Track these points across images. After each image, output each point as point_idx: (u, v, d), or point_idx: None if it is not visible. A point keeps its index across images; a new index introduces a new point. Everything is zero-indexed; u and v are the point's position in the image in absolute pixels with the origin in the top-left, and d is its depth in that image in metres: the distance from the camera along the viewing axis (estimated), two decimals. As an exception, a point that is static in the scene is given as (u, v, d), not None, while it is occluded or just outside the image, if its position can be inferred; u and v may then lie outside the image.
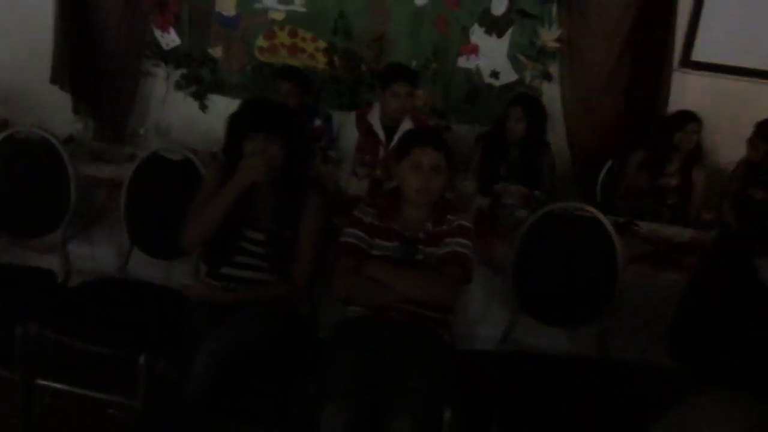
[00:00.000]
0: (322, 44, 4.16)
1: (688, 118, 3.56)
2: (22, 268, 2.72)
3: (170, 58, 4.28)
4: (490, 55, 4.04)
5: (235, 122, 2.35)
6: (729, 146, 3.63)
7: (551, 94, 4.00)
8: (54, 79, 4.22)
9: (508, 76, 4.05)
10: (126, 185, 2.67)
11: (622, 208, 3.40)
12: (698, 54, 3.86)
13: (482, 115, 4.07)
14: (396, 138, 3.50)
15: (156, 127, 3.37)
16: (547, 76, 4.02)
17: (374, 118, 3.54)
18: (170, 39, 4.26)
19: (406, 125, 3.50)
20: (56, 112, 3.93)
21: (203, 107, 4.31)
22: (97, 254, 2.90)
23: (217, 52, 4.25)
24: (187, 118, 4.27)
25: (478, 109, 4.11)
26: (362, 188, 3.00)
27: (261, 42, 4.22)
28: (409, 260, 2.27)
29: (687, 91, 3.86)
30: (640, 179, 3.64)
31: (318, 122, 3.55)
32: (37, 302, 2.44)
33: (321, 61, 4.19)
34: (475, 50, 4.05)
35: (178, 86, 4.32)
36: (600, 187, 3.81)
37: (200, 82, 4.30)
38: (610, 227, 2.43)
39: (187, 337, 2.17)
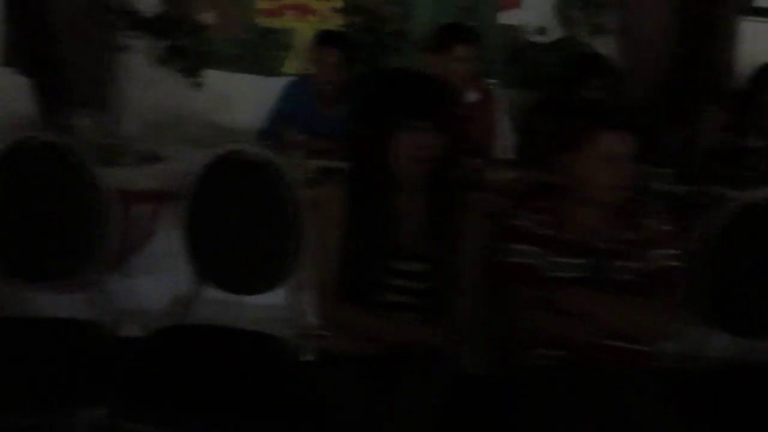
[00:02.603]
0: (337, 2, 3.53)
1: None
2: (51, 321, 2.04)
3: (150, 27, 3.52)
4: (534, 9, 3.55)
5: (381, 105, 1.70)
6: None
7: (602, 50, 3.49)
8: (7, 61, 3.39)
9: (555, 31, 3.56)
10: (188, 201, 2.01)
11: (702, 177, 3.01)
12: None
13: (526, 77, 3.59)
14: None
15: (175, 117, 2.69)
16: (600, 29, 3.55)
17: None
18: (148, 4, 3.51)
19: (471, 97, 2.96)
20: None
21: (197, 85, 3.60)
22: (139, 289, 2.23)
23: (207, 18, 3.54)
24: (179, 99, 3.56)
25: (522, 71, 3.61)
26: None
27: (261, 3, 3.54)
28: (604, 281, 1.77)
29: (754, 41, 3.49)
30: (721, 142, 3.26)
31: None
32: (94, 372, 1.80)
33: (335, 23, 3.55)
34: (516, 3, 3.54)
35: (162, 62, 3.58)
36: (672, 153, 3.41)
37: (189, 56, 3.58)
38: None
39: (327, 412, 1.59)
